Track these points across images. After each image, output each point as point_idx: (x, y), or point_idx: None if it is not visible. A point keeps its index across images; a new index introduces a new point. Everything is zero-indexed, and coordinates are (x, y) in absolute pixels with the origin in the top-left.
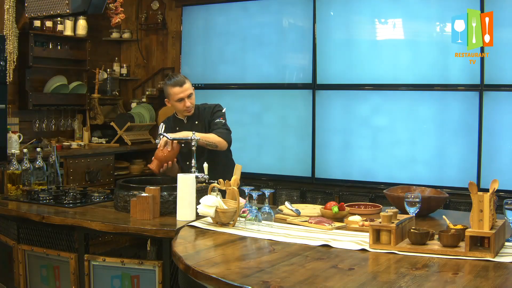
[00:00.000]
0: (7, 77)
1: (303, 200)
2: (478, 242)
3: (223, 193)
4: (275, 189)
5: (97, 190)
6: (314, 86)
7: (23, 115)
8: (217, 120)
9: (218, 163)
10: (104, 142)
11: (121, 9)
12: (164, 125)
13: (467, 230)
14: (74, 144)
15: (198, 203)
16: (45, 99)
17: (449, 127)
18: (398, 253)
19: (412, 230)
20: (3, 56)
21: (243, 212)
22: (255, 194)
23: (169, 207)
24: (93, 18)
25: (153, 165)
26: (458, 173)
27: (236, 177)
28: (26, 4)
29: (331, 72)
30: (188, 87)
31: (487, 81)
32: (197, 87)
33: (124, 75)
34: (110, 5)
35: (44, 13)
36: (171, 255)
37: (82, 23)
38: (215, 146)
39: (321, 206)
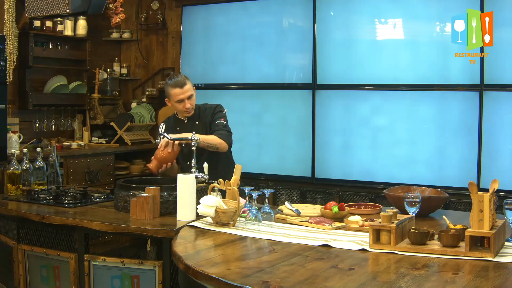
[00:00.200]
0: (7, 77)
1: (303, 200)
2: (478, 242)
3: (223, 193)
4: (275, 189)
5: (97, 190)
6: (314, 86)
7: (23, 115)
8: (218, 121)
9: (219, 164)
10: (104, 142)
11: (121, 9)
12: (164, 125)
13: (467, 230)
14: (74, 144)
15: (198, 203)
16: (45, 99)
17: (449, 127)
18: (398, 253)
19: (412, 230)
20: (3, 56)
21: (243, 212)
22: (255, 194)
23: (169, 207)
24: (93, 18)
25: (152, 165)
26: (458, 173)
27: (236, 177)
28: (26, 4)
29: (331, 72)
30: (188, 88)
31: (487, 81)
32: (197, 87)
33: (124, 75)
34: (110, 5)
35: (44, 13)
36: (171, 255)
37: (82, 23)
38: (216, 147)
39: (321, 206)
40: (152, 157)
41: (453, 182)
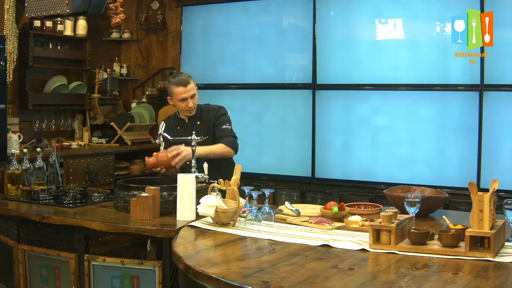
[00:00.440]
0: (7, 77)
1: (303, 200)
2: (478, 242)
3: (223, 193)
4: (275, 189)
5: (97, 190)
6: (314, 86)
7: (23, 115)
8: (223, 127)
9: (219, 164)
10: (104, 142)
11: (121, 9)
12: (164, 124)
13: (467, 230)
14: (74, 144)
15: (198, 203)
16: (45, 99)
17: (449, 127)
18: (398, 253)
19: (412, 230)
20: (3, 56)
21: (243, 212)
22: (255, 194)
23: (169, 207)
24: (93, 18)
25: (150, 161)
26: (458, 173)
27: (236, 177)
28: (26, 4)
29: (331, 72)
30: (192, 87)
31: (487, 81)
32: (197, 87)
33: (124, 75)
34: (110, 5)
35: (44, 13)
36: (171, 255)
37: (82, 23)
38: (224, 156)
39: (321, 206)
40: (154, 153)
41: (453, 182)
